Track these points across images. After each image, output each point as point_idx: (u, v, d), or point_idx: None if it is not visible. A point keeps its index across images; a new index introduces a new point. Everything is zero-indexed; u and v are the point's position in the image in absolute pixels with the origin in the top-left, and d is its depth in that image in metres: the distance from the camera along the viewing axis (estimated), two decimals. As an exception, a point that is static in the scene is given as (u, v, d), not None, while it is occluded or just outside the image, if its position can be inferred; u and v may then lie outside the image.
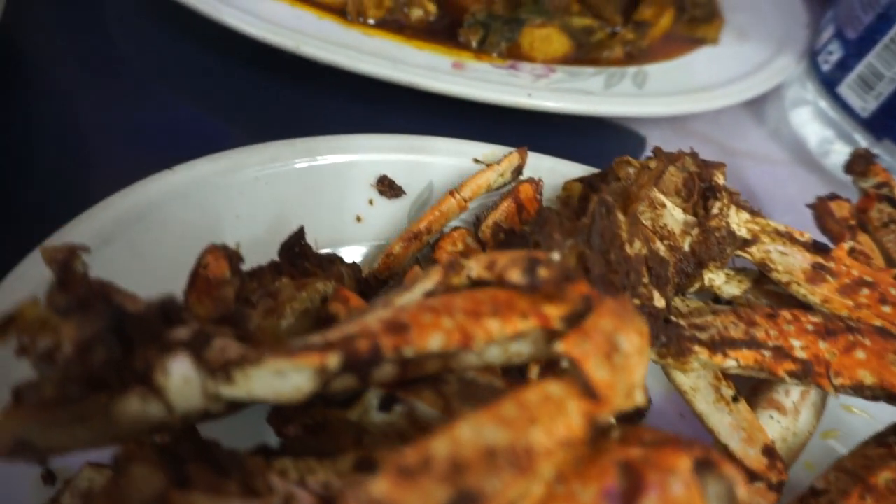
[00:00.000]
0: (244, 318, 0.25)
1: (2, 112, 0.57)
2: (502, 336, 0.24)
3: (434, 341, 0.23)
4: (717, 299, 0.50)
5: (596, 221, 0.38)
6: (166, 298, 0.22)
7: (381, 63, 0.58)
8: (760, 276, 0.49)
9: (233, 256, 0.32)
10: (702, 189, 0.48)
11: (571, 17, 0.72)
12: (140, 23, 0.68)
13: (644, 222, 0.45)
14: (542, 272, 0.24)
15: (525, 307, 0.24)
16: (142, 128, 0.59)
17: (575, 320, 0.24)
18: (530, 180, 0.50)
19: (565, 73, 0.66)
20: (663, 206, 0.46)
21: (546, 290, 0.25)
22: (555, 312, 0.24)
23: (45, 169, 0.55)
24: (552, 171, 0.54)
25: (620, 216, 0.40)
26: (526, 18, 0.67)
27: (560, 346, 0.22)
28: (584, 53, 0.70)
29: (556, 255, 0.25)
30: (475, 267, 0.26)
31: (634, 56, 0.71)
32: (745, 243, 0.48)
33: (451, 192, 0.47)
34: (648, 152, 0.49)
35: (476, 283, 0.26)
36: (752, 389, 0.46)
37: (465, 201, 0.47)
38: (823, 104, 0.73)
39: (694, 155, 0.49)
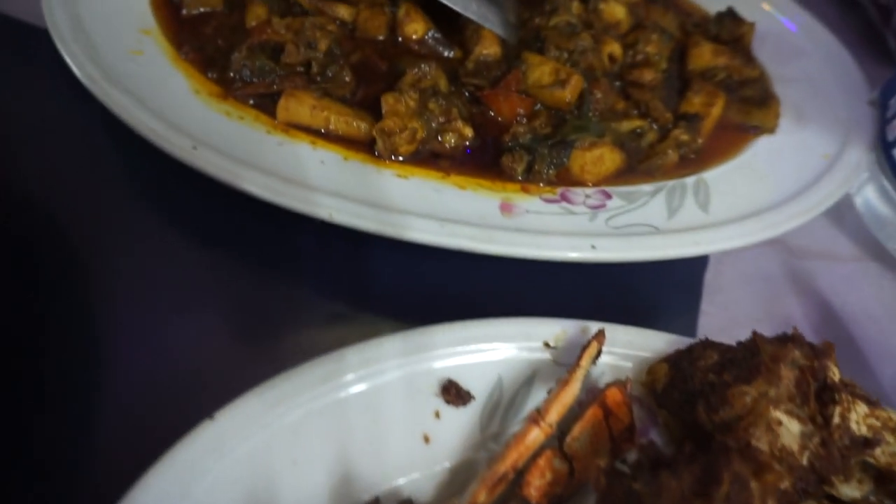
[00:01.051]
0: None
1: None
2: None
3: None
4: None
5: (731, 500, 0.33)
6: None
7: (429, 226, 0.52)
8: (881, 474, 0.44)
9: None
10: (817, 390, 0.42)
11: (619, 121, 0.65)
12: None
13: (762, 448, 0.39)
14: None
15: None
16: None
17: None
18: (617, 384, 0.44)
19: (622, 199, 0.60)
20: (780, 424, 0.40)
21: None
22: None
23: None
24: (629, 345, 0.48)
25: (754, 485, 0.34)
26: (574, 140, 0.60)
27: None
28: (637, 161, 0.64)
29: None
30: None
31: (690, 159, 0.65)
32: (866, 443, 0.42)
33: (535, 420, 0.41)
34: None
35: None
36: None
37: (551, 427, 0.42)
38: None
39: (800, 341, 0.44)
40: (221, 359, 0.50)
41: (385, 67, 0.66)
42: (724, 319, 0.61)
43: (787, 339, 0.44)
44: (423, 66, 0.62)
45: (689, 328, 0.59)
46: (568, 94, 0.63)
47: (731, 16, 0.77)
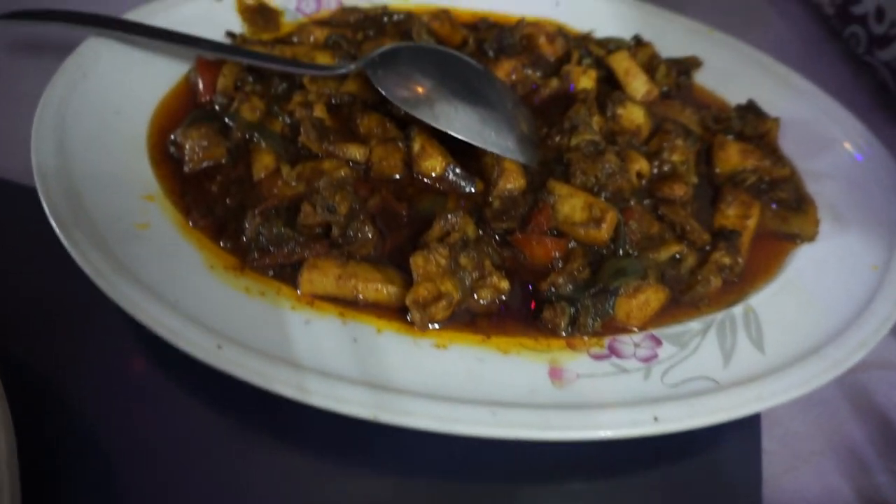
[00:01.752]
0: None
1: None
2: None
3: None
4: None
5: None
6: None
7: (481, 415, 0.48)
8: None
9: None
10: None
11: (656, 248, 0.62)
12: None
13: None
14: None
15: None
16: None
17: None
18: None
19: (673, 344, 0.56)
20: None
21: None
22: None
23: None
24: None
25: None
26: (618, 287, 0.57)
27: None
28: (680, 292, 0.60)
29: None
30: None
31: (734, 283, 0.62)
32: None
33: None
34: None
35: None
36: None
37: None
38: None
39: None
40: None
41: (405, 211, 0.62)
42: (787, 457, 0.58)
43: None
44: (449, 217, 0.58)
45: (753, 473, 0.56)
46: (605, 234, 0.59)
47: (753, 111, 0.74)
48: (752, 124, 0.73)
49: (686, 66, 0.80)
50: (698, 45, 0.83)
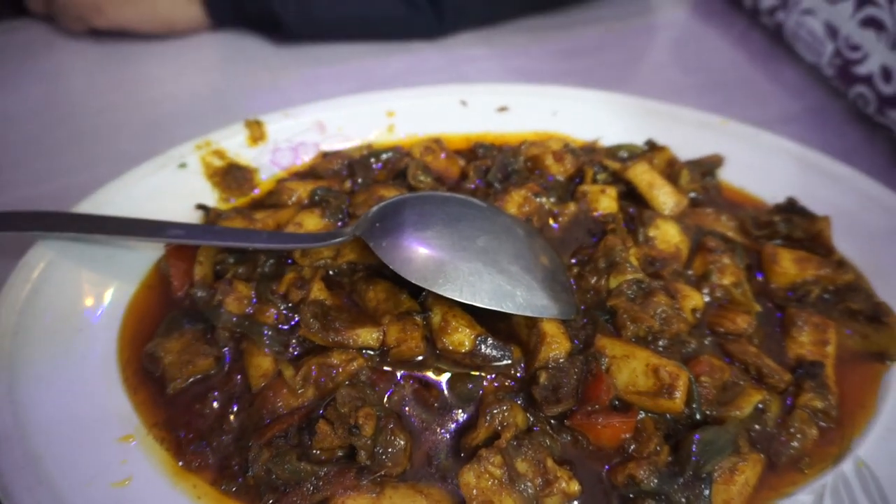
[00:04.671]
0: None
1: None
2: None
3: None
4: None
5: None
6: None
7: None
8: None
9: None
10: None
11: (736, 405, 0.52)
12: None
13: None
14: None
15: None
16: None
17: None
18: None
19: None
20: None
21: None
22: None
23: None
24: None
25: None
26: (712, 471, 0.47)
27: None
28: (774, 454, 0.51)
29: None
30: None
31: (831, 426, 0.53)
32: None
33: None
34: None
35: None
36: None
37: None
38: None
39: None
40: None
41: (436, 400, 0.52)
42: None
43: None
44: (495, 410, 0.48)
45: None
46: (679, 403, 0.50)
47: (798, 212, 0.66)
48: (801, 226, 0.65)
49: (709, 167, 0.73)
50: (713, 140, 0.76)
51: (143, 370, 0.53)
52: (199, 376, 0.53)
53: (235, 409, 0.51)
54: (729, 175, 0.74)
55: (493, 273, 0.54)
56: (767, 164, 0.74)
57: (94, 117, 0.88)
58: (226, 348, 0.54)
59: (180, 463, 0.48)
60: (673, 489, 0.47)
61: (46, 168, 0.78)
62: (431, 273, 0.53)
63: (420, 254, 0.53)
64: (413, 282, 0.52)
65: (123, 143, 0.83)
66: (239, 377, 0.53)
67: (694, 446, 0.48)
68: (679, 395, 0.50)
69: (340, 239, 0.57)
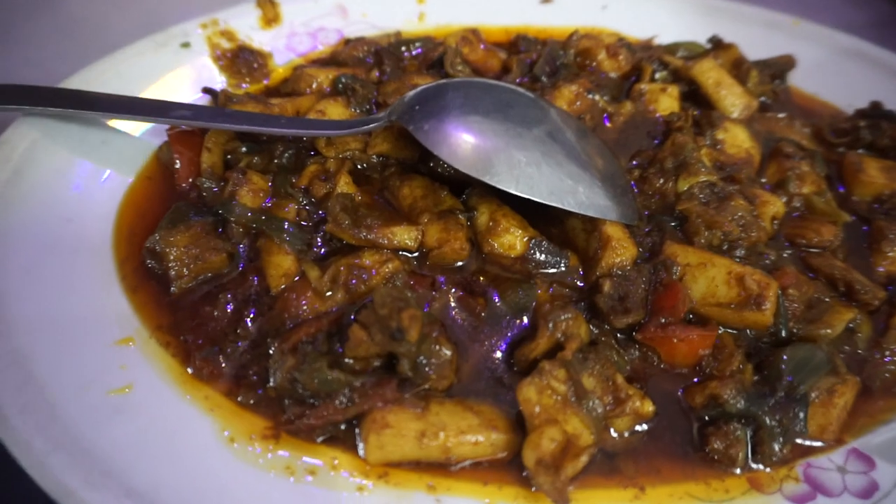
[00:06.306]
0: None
1: None
2: None
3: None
4: None
5: None
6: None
7: None
8: None
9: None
10: None
11: (825, 322, 0.45)
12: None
13: None
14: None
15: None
16: None
17: None
18: None
19: (888, 461, 0.40)
20: None
21: None
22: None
23: None
24: None
25: None
26: (807, 391, 0.40)
27: None
28: (868, 377, 0.45)
29: None
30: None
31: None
32: None
33: None
34: None
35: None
36: None
37: None
38: None
39: None
40: None
41: (483, 310, 0.45)
42: None
43: None
44: (558, 316, 0.41)
45: None
46: (769, 315, 0.43)
47: (885, 117, 0.59)
48: (888, 133, 0.58)
49: (779, 69, 0.65)
50: (784, 41, 0.68)
51: (144, 268, 0.46)
52: (208, 275, 0.46)
53: (252, 313, 0.44)
54: (800, 80, 0.66)
55: (552, 165, 0.47)
56: (843, 68, 0.66)
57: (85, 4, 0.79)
58: (240, 245, 0.47)
59: (190, 370, 0.41)
60: (762, 410, 0.40)
61: (24, 58, 0.69)
62: (482, 161, 0.45)
63: (468, 139, 0.46)
64: (461, 170, 0.45)
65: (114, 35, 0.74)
66: (255, 278, 0.46)
67: (784, 365, 0.42)
68: (769, 306, 0.43)
69: (374, 125, 0.49)
